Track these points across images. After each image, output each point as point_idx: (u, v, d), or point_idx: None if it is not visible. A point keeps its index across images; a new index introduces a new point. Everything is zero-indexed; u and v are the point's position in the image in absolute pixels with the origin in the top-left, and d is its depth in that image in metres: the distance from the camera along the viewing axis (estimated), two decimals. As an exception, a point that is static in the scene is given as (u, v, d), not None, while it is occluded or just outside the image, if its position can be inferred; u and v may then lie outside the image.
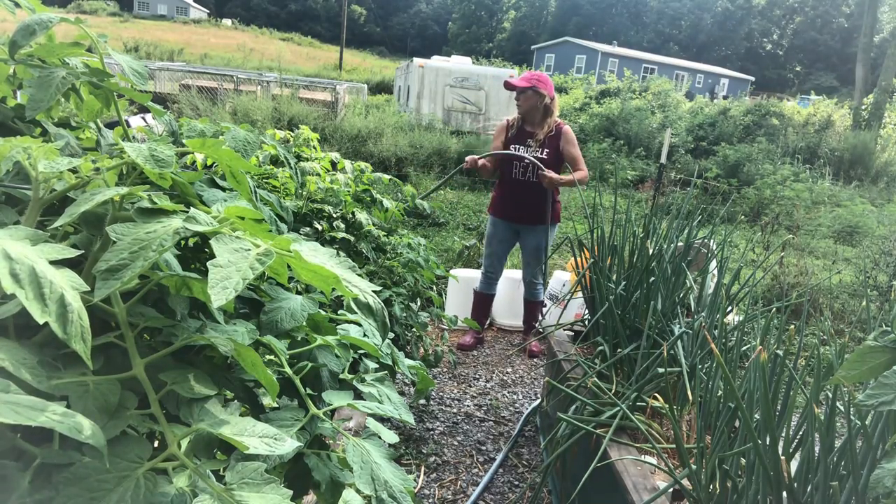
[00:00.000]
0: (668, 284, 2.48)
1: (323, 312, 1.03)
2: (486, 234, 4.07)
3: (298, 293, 1.02)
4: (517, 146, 3.72)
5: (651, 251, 2.54)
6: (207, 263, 0.58)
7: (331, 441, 1.03)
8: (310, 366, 0.93)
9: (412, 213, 6.77)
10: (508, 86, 3.68)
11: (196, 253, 0.95)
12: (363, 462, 0.79)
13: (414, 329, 2.69)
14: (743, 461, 1.64)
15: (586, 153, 13.18)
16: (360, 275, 0.77)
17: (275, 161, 2.32)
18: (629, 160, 12.79)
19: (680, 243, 2.69)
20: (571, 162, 3.77)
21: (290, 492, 0.60)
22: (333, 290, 0.72)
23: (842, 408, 1.58)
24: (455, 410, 3.22)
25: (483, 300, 4.12)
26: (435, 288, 3.47)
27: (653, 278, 2.43)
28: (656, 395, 2.21)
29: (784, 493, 1.46)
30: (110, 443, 0.57)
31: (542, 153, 3.66)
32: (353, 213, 2.63)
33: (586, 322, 2.79)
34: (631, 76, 19.90)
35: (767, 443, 1.45)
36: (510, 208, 3.83)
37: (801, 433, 1.63)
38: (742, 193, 10.13)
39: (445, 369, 3.65)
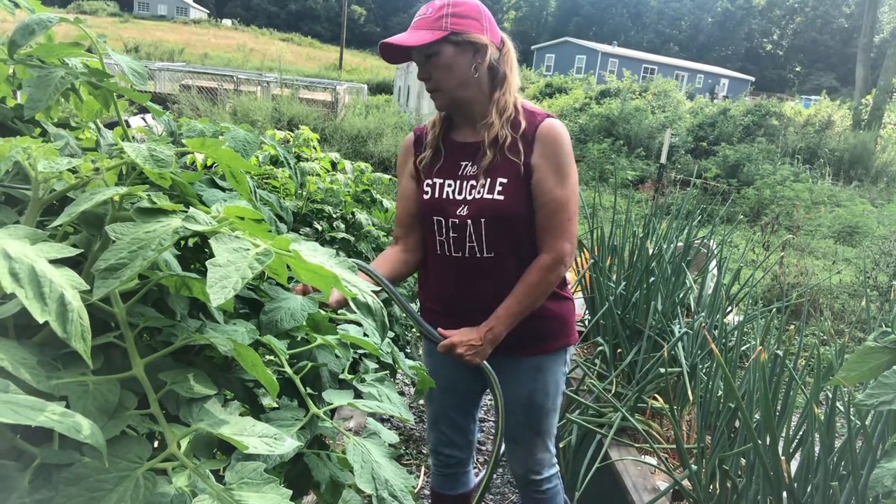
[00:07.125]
0: (668, 284, 2.48)
1: (323, 312, 1.03)
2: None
3: (298, 293, 1.02)
4: (445, 182, 1.57)
5: (651, 251, 2.54)
6: (206, 262, 0.58)
7: (331, 441, 1.03)
8: (310, 365, 0.93)
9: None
10: (389, 51, 1.50)
11: (196, 253, 0.95)
12: (364, 461, 0.79)
13: (413, 329, 2.69)
14: (743, 461, 1.64)
15: (586, 153, 13.07)
16: (359, 274, 0.77)
17: (275, 161, 2.32)
18: (629, 160, 12.80)
19: (680, 243, 2.69)
20: (548, 210, 1.51)
21: (290, 491, 0.60)
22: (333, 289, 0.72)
23: (842, 408, 1.58)
24: (455, 410, 3.21)
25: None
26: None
27: (653, 278, 2.44)
28: (656, 395, 2.21)
29: (784, 493, 1.46)
30: (110, 443, 0.57)
31: (487, 188, 1.51)
32: (352, 214, 2.63)
33: (586, 322, 2.79)
34: (631, 76, 19.90)
35: (767, 443, 1.45)
36: (454, 320, 1.61)
37: (801, 433, 1.63)
38: (742, 193, 10.14)
39: (445, 369, 3.64)
